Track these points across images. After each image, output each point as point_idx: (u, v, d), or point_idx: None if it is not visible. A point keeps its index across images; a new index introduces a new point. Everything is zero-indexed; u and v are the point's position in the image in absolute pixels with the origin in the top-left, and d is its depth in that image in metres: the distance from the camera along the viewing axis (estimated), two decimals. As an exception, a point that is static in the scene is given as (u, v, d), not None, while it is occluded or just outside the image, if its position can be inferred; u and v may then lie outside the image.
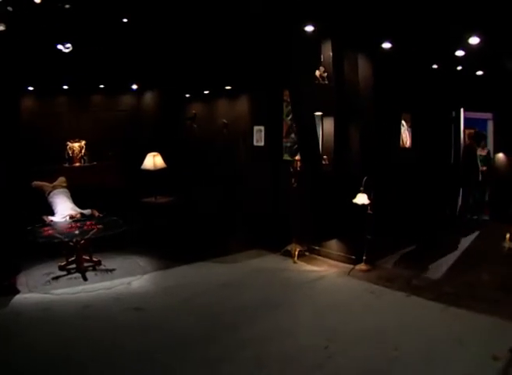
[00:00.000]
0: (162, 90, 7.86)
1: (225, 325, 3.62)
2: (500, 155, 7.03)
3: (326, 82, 4.72)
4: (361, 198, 4.58)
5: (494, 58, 5.44)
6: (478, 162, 7.10)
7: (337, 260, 5.12)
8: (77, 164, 7.52)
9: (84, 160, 7.59)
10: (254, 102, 6.29)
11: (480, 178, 7.10)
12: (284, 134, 5.85)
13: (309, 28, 4.51)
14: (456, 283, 4.44)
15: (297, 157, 5.22)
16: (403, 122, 6.45)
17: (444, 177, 6.88)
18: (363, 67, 4.76)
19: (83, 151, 7.57)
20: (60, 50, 4.91)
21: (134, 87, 7.94)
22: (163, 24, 5.08)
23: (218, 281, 4.59)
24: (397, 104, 6.12)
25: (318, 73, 4.75)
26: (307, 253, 5.38)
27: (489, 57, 5.41)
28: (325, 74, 4.76)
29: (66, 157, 7.44)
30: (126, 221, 5.07)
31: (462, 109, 7.53)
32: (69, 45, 4.88)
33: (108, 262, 5.00)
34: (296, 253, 5.19)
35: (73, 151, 7.51)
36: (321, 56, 4.83)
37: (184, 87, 7.48)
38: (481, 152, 7.31)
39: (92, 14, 4.60)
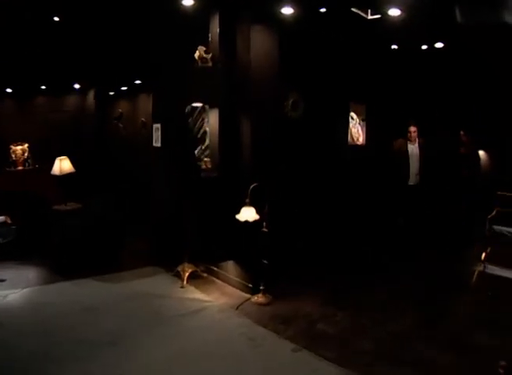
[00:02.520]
0: (96, 88, 7.37)
1: (52, 358, 3.01)
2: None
3: (209, 64, 3.62)
4: (247, 213, 3.45)
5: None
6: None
7: (235, 287, 4.05)
8: (20, 168, 7.27)
9: (28, 163, 7.31)
10: (154, 96, 5.17)
11: None
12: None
13: (187, 1, 3.46)
14: (380, 334, 3.28)
15: (206, 159, 4.16)
16: (352, 114, 5.23)
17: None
18: (262, 43, 3.61)
19: (25, 154, 7.30)
20: None
21: (77, 86, 7.53)
22: (88, 20, 4.74)
23: (87, 303, 3.93)
24: (340, 92, 4.92)
25: (197, 54, 3.68)
26: (204, 274, 4.33)
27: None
28: (209, 55, 3.67)
29: (10, 160, 7.24)
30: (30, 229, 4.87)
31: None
32: None
33: (4, 272, 4.62)
34: (186, 275, 4.15)
35: (16, 154, 7.29)
36: (209, 35, 3.77)
37: (110, 84, 6.67)
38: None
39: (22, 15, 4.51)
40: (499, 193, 5.29)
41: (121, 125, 6.46)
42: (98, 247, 5.04)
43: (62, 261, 4.87)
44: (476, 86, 5.78)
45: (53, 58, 5.98)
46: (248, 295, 3.86)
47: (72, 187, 5.72)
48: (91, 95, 7.52)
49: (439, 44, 4.61)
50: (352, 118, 5.22)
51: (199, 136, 4.16)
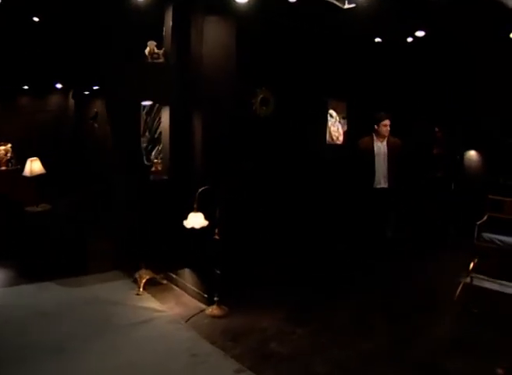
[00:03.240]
0: (73, 88, 7.33)
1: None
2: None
3: (161, 60, 3.37)
4: (195, 220, 3.19)
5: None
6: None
7: (193, 296, 3.80)
8: (3, 168, 7.12)
9: (11, 163, 7.17)
10: (106, 96, 4.96)
11: None
12: (141, 132, 4.36)
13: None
14: (340, 356, 2.95)
15: (156, 160, 3.92)
16: (332, 112, 4.88)
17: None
18: (216, 36, 3.33)
19: (8, 154, 7.15)
20: None
21: (59, 86, 7.42)
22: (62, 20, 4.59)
23: (43, 307, 3.80)
24: (317, 88, 4.60)
25: (147, 49, 3.44)
26: (164, 281, 4.10)
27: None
28: (161, 50, 3.43)
29: (-7, 161, 7.25)
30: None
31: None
32: None
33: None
34: (143, 282, 3.93)
35: (-1, 154, 7.31)
36: (164, 29, 3.53)
37: (84, 83, 6.54)
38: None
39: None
40: (490, 197, 4.89)
41: (96, 125, 6.33)
42: (65, 249, 4.90)
43: (28, 263, 4.75)
44: (460, 83, 5.38)
45: (35, 58, 5.88)
46: (204, 306, 3.61)
47: (46, 188, 5.64)
48: (71, 95, 7.47)
49: (420, 33, 4.21)
50: (331, 116, 4.87)
51: (156, 136, 3.93)
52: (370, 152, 4.78)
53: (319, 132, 4.76)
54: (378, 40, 4.88)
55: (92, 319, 3.54)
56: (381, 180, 4.76)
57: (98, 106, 6.62)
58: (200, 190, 3.16)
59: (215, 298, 3.47)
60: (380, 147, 4.81)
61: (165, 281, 4.06)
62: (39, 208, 5.38)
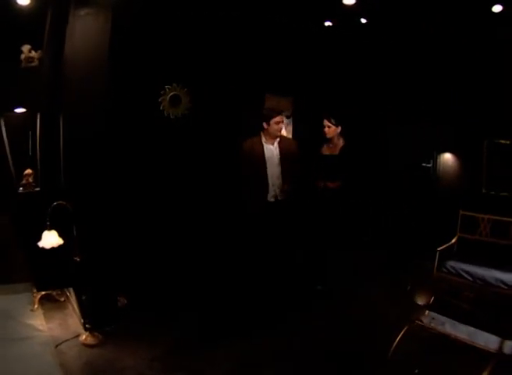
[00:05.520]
0: None
1: None
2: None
3: (35, 64, 3.06)
4: (49, 239, 2.81)
5: None
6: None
7: (78, 319, 3.39)
8: None
9: None
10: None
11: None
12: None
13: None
14: None
15: (27, 171, 3.55)
16: (272, 110, 4.23)
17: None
18: (85, 32, 2.88)
19: None
20: None
21: None
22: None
23: None
24: (249, 82, 3.99)
25: (23, 54, 3.14)
26: (62, 298, 3.76)
27: None
28: (36, 54, 3.11)
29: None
30: None
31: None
32: None
33: None
34: (37, 298, 3.65)
35: None
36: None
37: None
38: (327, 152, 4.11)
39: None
40: (462, 212, 3.94)
41: None
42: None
43: None
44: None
45: None
46: (81, 331, 3.25)
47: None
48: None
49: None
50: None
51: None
52: (258, 157, 3.79)
53: (250, 134, 3.97)
54: (328, 23, 4.15)
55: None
56: (274, 192, 3.83)
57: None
58: (53, 205, 2.78)
59: (87, 326, 3.10)
60: (272, 150, 3.85)
61: (62, 298, 3.77)
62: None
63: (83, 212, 2.84)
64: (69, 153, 2.89)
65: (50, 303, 3.78)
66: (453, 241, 3.84)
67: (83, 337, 3.17)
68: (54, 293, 3.77)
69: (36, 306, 3.69)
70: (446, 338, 2.81)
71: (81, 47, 2.95)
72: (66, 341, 3.17)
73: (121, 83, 3.20)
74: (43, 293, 3.71)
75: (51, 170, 3.12)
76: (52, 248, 2.86)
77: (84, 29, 2.94)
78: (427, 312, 3.05)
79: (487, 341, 2.64)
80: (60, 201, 2.79)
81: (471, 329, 2.80)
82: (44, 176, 3.13)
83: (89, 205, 2.86)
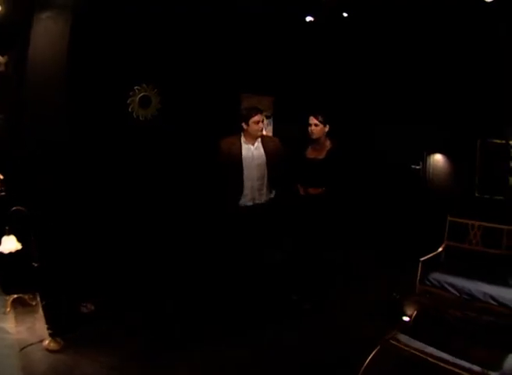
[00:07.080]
0: None
1: None
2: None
3: (2, 69, 3.08)
4: (8, 244, 2.77)
5: None
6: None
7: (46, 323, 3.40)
8: None
9: None
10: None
11: None
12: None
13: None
14: None
15: None
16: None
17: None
18: (46, 34, 2.85)
19: None
20: None
21: None
22: None
23: None
24: (224, 81, 3.86)
25: None
26: (34, 302, 3.70)
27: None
28: (4, 59, 3.15)
29: None
30: None
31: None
32: None
33: None
34: (10, 301, 3.62)
35: None
36: None
37: None
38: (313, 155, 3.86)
39: None
40: (450, 218, 3.68)
41: None
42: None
43: None
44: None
45: None
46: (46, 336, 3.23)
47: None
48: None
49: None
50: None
51: None
52: (235, 158, 3.59)
53: (226, 135, 3.83)
54: (310, 19, 3.98)
55: None
56: (252, 195, 3.65)
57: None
58: (11, 210, 2.75)
59: (49, 331, 3.06)
60: (251, 150, 3.66)
61: (34, 303, 3.75)
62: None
63: (40, 217, 2.80)
64: (28, 156, 2.86)
65: (22, 307, 3.79)
66: (440, 249, 3.61)
67: (47, 342, 3.14)
68: (26, 297, 3.77)
69: (8, 309, 3.71)
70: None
71: (42, 50, 2.94)
72: (31, 344, 3.15)
73: (86, 85, 3.15)
74: (15, 296, 3.71)
75: (16, 175, 3.11)
76: (11, 253, 2.84)
77: (45, 32, 2.95)
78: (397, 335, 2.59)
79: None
80: (18, 207, 2.76)
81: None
82: (10, 180, 3.11)
83: (46, 210, 2.82)
